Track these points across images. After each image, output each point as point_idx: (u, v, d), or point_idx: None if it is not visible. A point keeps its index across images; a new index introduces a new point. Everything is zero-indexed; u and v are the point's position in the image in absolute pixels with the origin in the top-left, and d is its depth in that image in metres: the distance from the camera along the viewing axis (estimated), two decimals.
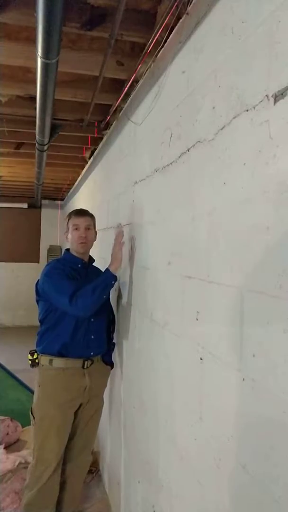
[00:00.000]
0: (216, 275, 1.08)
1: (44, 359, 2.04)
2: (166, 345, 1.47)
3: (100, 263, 2.68)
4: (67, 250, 2.22)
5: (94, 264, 2.27)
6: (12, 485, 2.41)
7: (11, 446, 2.92)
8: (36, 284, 2.13)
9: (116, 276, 2.02)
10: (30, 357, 2.07)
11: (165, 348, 1.49)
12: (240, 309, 0.95)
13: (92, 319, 2.07)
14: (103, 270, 2.11)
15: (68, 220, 2.17)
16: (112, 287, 2.05)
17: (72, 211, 2.25)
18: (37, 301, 2.15)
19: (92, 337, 2.09)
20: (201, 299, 1.17)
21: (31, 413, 2.07)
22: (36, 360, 2.06)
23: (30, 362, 2.08)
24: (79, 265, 2.13)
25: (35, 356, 2.06)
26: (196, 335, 1.21)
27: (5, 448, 2.84)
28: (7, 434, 3.00)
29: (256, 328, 0.89)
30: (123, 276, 2.22)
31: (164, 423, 1.48)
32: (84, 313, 1.98)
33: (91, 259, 2.24)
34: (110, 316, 2.28)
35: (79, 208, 2.30)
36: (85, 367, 2.06)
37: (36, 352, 2.08)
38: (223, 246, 1.05)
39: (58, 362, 2.02)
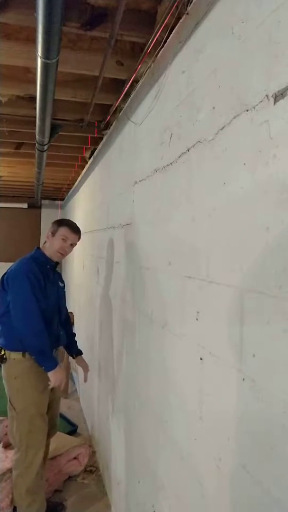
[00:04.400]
0: (216, 275, 1.08)
1: (15, 354, 2.13)
2: (166, 345, 1.47)
3: (100, 263, 2.68)
4: (39, 248, 2.33)
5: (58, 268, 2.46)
6: (11, 484, 2.40)
7: (10, 446, 2.92)
8: (3, 276, 2.19)
9: (44, 367, 2.09)
10: None
11: (165, 348, 1.49)
12: (240, 309, 0.95)
13: (59, 316, 2.32)
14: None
15: (60, 227, 2.27)
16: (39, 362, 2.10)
17: (67, 221, 2.36)
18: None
19: (61, 332, 2.33)
20: (201, 299, 1.17)
21: (11, 405, 2.15)
22: (4, 356, 2.15)
23: None
24: (48, 266, 2.27)
25: (3, 352, 2.15)
26: (196, 335, 1.21)
27: (4, 447, 2.84)
28: (6, 434, 3.00)
29: (256, 328, 0.89)
30: (124, 276, 2.22)
31: (164, 423, 1.48)
32: (22, 330, 2.07)
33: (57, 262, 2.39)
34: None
35: (74, 222, 2.38)
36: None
37: (2, 348, 2.15)
38: (223, 246, 1.05)
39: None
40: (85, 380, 2.62)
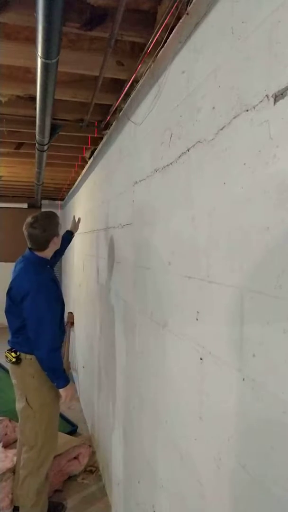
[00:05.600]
0: (216, 275, 1.08)
1: (31, 355, 2.16)
2: (166, 345, 1.47)
3: (100, 263, 2.68)
4: (32, 251, 2.26)
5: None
6: (12, 484, 2.40)
7: (10, 446, 2.92)
8: (9, 291, 2.17)
9: (56, 384, 2.17)
10: (14, 354, 2.19)
11: (165, 348, 1.49)
12: (240, 309, 0.95)
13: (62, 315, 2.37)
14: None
15: (60, 225, 2.33)
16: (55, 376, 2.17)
17: (57, 216, 2.39)
18: (9, 307, 2.21)
19: (63, 329, 2.40)
20: (201, 299, 1.17)
21: (28, 404, 2.18)
22: (19, 357, 2.18)
23: (14, 359, 2.18)
24: (48, 266, 2.33)
25: (18, 353, 2.18)
26: (196, 335, 1.21)
27: (4, 447, 2.84)
28: (6, 434, 3.00)
29: (256, 328, 0.89)
30: (124, 277, 2.22)
31: (164, 423, 1.48)
32: (36, 350, 2.13)
33: None
34: None
35: (53, 212, 2.43)
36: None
37: (16, 350, 2.19)
38: (223, 246, 1.05)
39: None
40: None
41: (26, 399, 2.19)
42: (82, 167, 4.11)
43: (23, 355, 2.17)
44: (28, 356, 2.16)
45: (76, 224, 3.06)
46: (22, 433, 2.25)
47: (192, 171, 1.27)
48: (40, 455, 2.18)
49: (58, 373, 2.14)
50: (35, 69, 1.61)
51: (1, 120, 2.72)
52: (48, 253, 2.28)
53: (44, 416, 2.18)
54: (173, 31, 1.45)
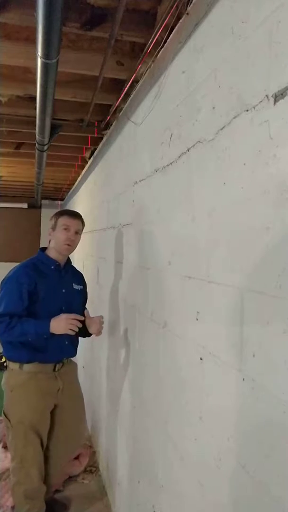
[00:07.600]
0: (216, 275, 1.08)
1: (13, 364, 2.02)
2: (166, 345, 1.47)
3: (100, 263, 2.68)
4: (42, 249, 2.18)
5: (73, 265, 2.30)
6: (11, 484, 2.40)
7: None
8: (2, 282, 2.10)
9: (46, 334, 1.91)
10: None
11: (165, 348, 1.49)
12: (240, 309, 0.95)
13: None
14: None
15: (58, 218, 2.12)
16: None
17: (64, 210, 2.22)
18: None
19: (66, 342, 2.10)
20: (201, 299, 1.17)
21: (6, 417, 2.04)
22: (5, 364, 2.04)
23: None
24: (52, 267, 2.11)
25: (3, 360, 2.04)
26: (196, 335, 1.21)
27: (4, 447, 2.84)
28: (6, 434, 3.00)
29: (256, 328, 0.89)
30: (124, 277, 2.22)
31: (164, 423, 1.48)
32: None
33: (68, 261, 2.23)
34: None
35: (71, 210, 2.26)
36: (56, 370, 2.07)
37: (3, 355, 2.05)
38: (223, 246, 1.05)
39: (29, 367, 2.01)
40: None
41: (4, 411, 2.06)
42: (82, 167, 4.11)
43: (8, 362, 2.04)
44: (11, 365, 2.02)
45: (94, 325, 2.15)
46: (7, 440, 2.16)
47: (192, 171, 1.27)
48: (23, 467, 2.05)
49: (24, 336, 1.89)
50: (35, 69, 1.61)
51: (1, 120, 2.72)
52: (53, 247, 2.11)
53: (21, 433, 2.00)
54: (173, 31, 1.45)
